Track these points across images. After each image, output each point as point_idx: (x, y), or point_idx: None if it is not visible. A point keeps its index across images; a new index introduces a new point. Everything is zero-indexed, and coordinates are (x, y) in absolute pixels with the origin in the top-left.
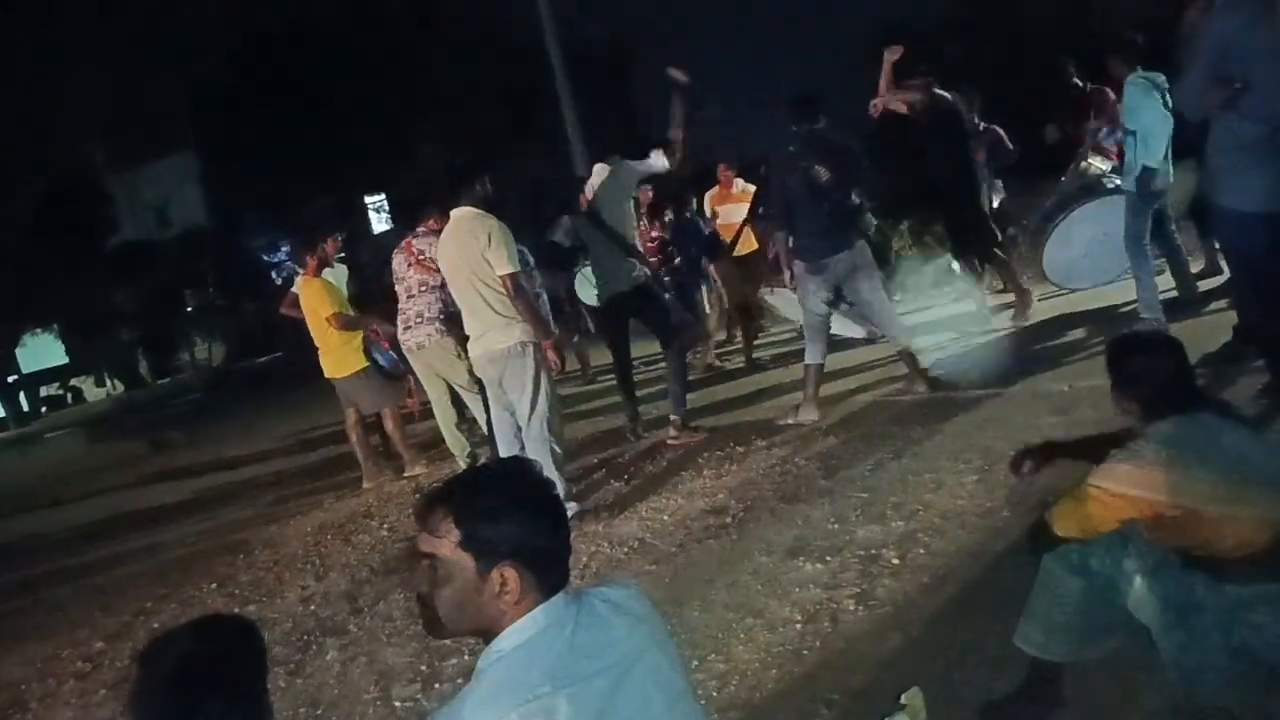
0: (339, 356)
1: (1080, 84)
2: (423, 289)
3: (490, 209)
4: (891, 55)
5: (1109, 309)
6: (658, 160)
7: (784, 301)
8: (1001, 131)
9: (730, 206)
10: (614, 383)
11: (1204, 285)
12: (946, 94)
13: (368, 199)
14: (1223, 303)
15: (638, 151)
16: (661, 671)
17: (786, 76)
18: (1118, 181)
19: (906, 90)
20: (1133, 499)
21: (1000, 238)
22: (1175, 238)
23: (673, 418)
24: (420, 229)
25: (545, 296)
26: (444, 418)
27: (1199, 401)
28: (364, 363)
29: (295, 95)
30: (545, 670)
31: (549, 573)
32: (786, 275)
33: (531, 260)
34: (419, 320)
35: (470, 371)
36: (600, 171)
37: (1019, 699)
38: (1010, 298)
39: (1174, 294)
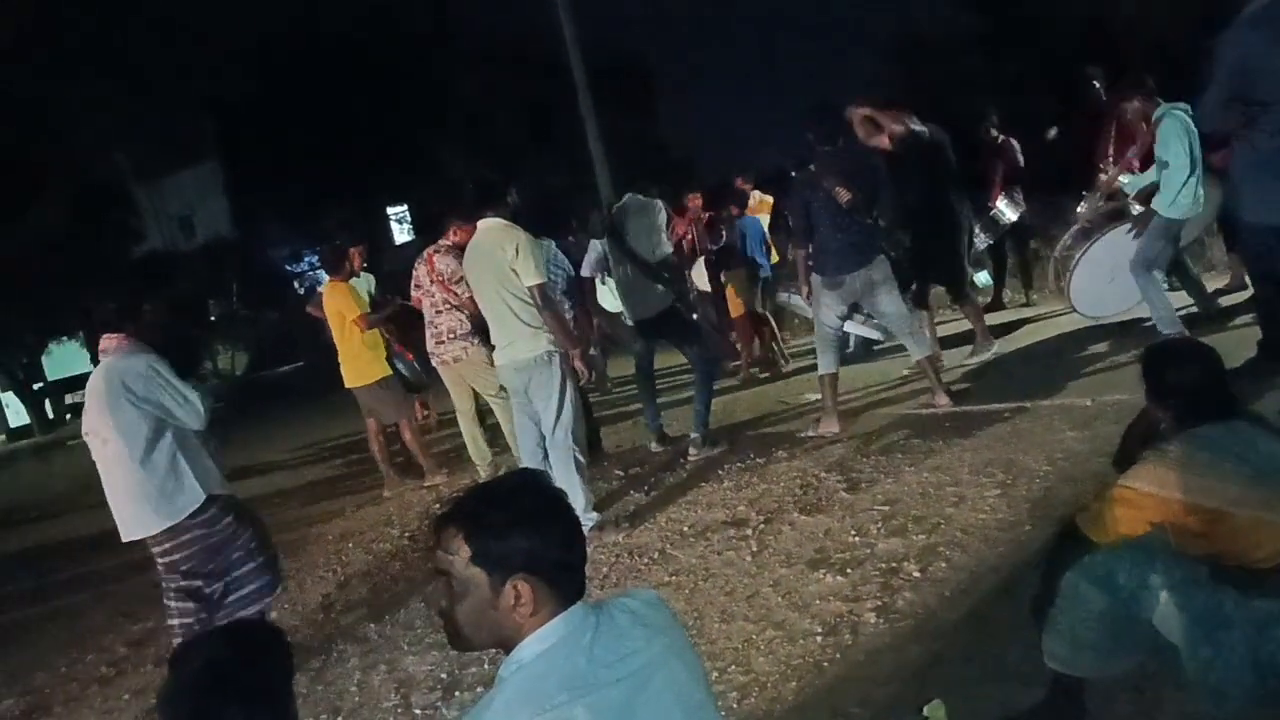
0: (360, 364)
1: (1105, 97)
2: (448, 305)
3: (516, 220)
4: (859, 112)
5: (1131, 324)
6: (665, 247)
7: (801, 303)
8: (1017, 145)
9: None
10: (634, 393)
11: (1230, 300)
12: (923, 128)
13: (390, 210)
14: (1248, 317)
15: (661, 171)
16: (681, 682)
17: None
18: (1139, 208)
19: (884, 124)
20: (1164, 500)
21: (971, 277)
22: (1181, 254)
23: (693, 434)
24: (443, 241)
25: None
26: (469, 428)
27: (1234, 410)
28: (386, 371)
29: (319, 106)
30: (563, 680)
31: (564, 584)
32: (804, 291)
33: (570, 268)
34: (451, 336)
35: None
36: (629, 197)
37: (1041, 713)
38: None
39: (1193, 309)
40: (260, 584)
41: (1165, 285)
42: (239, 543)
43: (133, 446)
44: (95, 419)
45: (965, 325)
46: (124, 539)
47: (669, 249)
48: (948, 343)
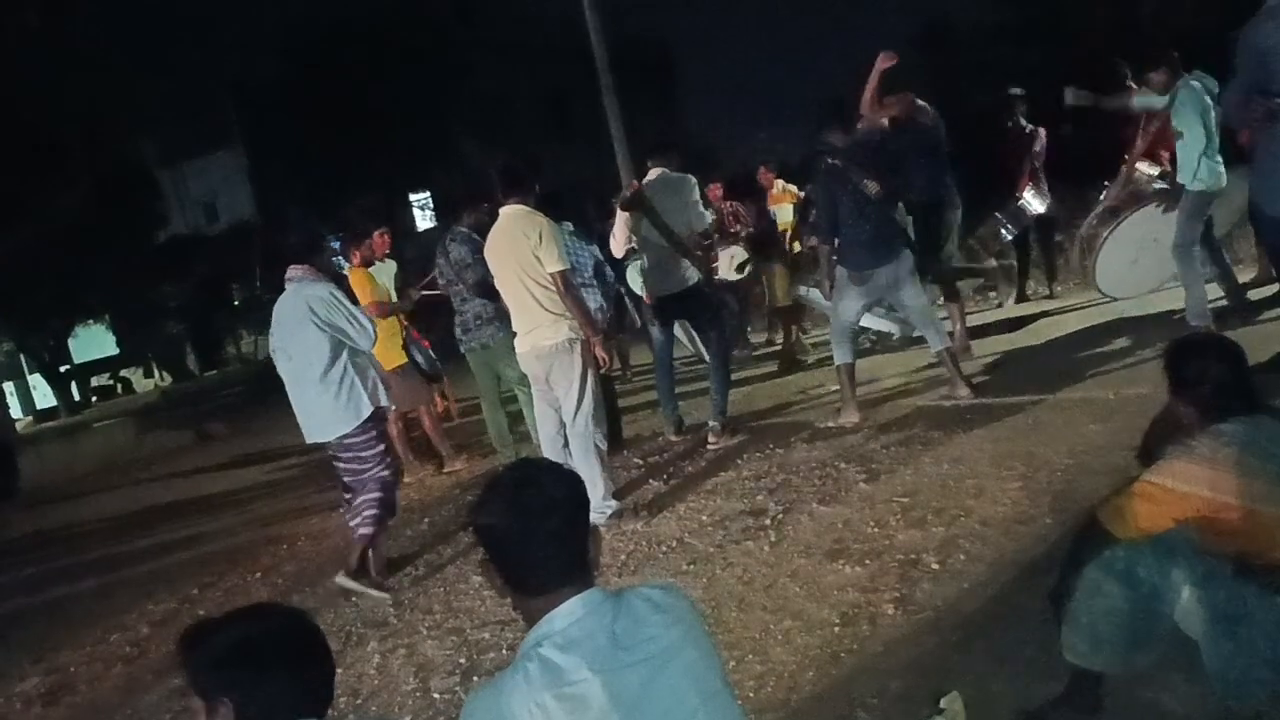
0: (377, 352)
1: (1134, 86)
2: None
3: (539, 208)
4: (884, 63)
5: (1156, 316)
6: (708, 219)
7: (820, 300)
8: (1043, 136)
9: (779, 207)
10: (653, 382)
11: (1257, 294)
12: (928, 108)
13: (412, 196)
14: (1275, 311)
15: (684, 155)
16: (697, 669)
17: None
18: (1165, 185)
19: (886, 106)
20: (1187, 496)
21: (959, 271)
22: (1217, 244)
23: (712, 423)
24: (459, 227)
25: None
26: (492, 414)
27: (1258, 405)
28: (402, 359)
29: (342, 92)
30: (583, 657)
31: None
32: (827, 286)
33: (599, 253)
34: (478, 322)
35: None
36: (659, 173)
37: (1059, 706)
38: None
39: (1223, 302)
40: (368, 516)
41: (1206, 274)
42: (381, 470)
43: (315, 362)
44: (282, 337)
45: (994, 315)
46: (307, 441)
47: (709, 218)
48: (976, 332)
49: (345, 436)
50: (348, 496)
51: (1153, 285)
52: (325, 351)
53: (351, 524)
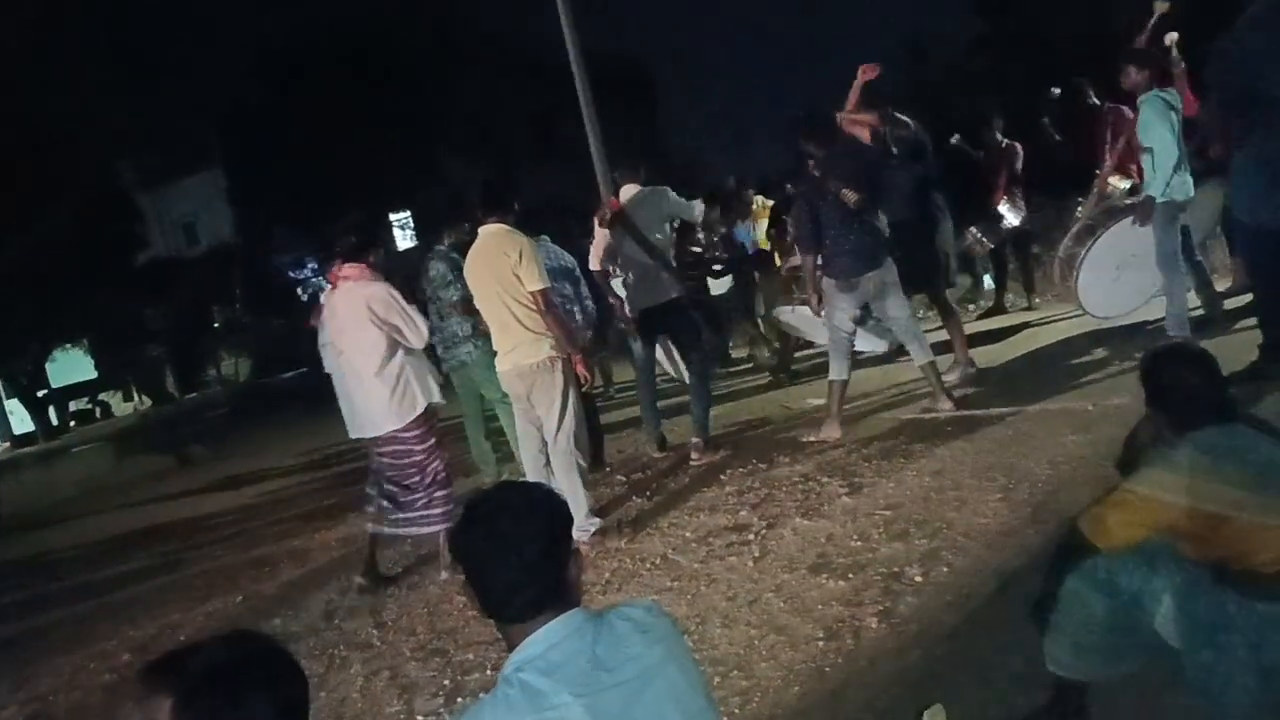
0: None
1: (1098, 103)
2: (452, 309)
3: (519, 226)
4: (866, 75)
5: (1133, 327)
6: (697, 208)
7: (802, 321)
8: (1020, 150)
9: (758, 223)
10: (636, 398)
11: (1233, 303)
12: (909, 121)
13: (393, 215)
14: (1250, 320)
15: (663, 173)
16: (680, 689)
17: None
18: (1136, 200)
19: (858, 121)
20: (1166, 505)
21: (951, 283)
22: (1196, 253)
23: (694, 440)
24: (440, 246)
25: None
26: (474, 433)
27: (1234, 414)
28: None
29: (321, 113)
30: (564, 680)
31: None
32: (814, 300)
33: (572, 261)
34: (456, 340)
35: None
36: (631, 190)
37: (1042, 717)
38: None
39: (1200, 312)
40: (444, 510)
41: (1190, 285)
42: (438, 463)
43: (370, 359)
44: (335, 333)
45: (970, 328)
46: (352, 436)
47: (700, 208)
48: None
49: (398, 431)
50: (371, 493)
51: (1140, 301)
52: (382, 348)
53: (420, 523)
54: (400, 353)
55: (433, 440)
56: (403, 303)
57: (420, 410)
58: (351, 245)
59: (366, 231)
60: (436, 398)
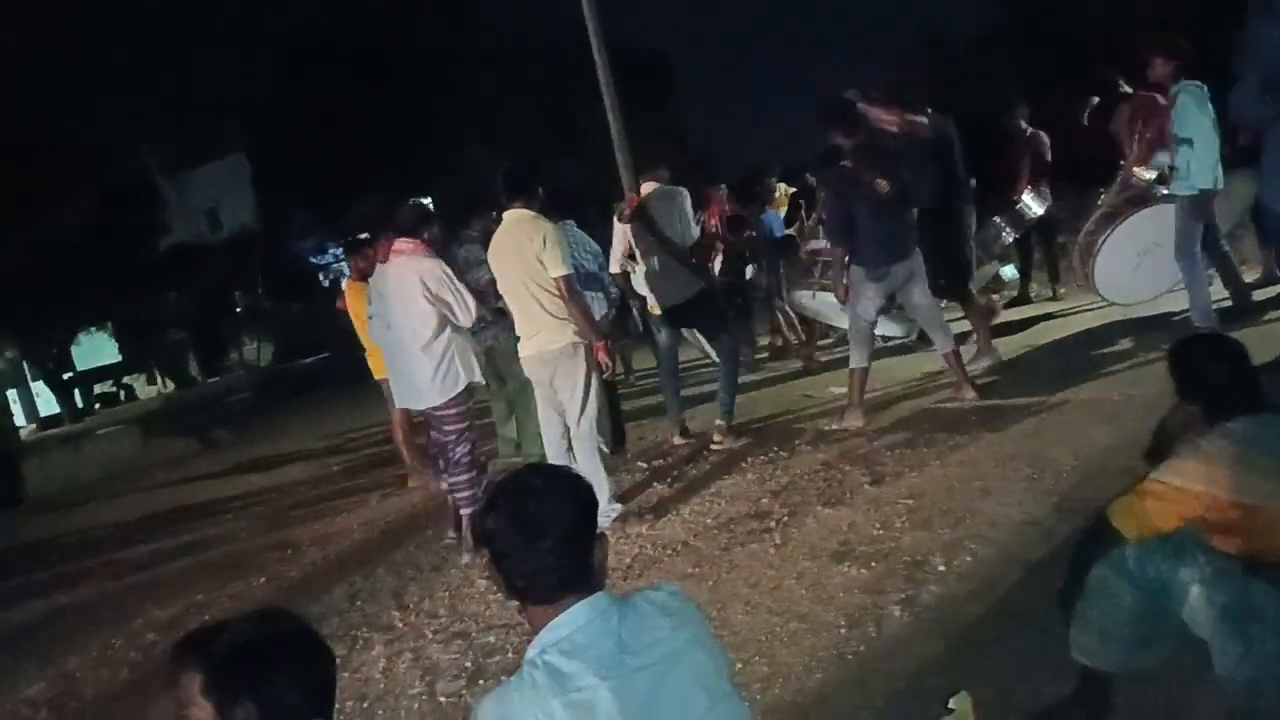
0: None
1: (1129, 90)
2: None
3: (544, 212)
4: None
5: (1160, 317)
6: (694, 231)
7: (822, 305)
8: (1046, 139)
9: (779, 211)
10: (656, 386)
11: (1261, 294)
12: (933, 115)
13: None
14: (1279, 311)
15: (675, 167)
16: (704, 673)
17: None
18: (1165, 190)
19: (885, 119)
20: (1196, 495)
21: (973, 276)
22: (1223, 245)
23: (718, 422)
24: (468, 232)
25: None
26: (500, 416)
27: (1263, 404)
28: None
29: (343, 99)
30: (589, 663)
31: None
32: (840, 290)
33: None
34: (482, 324)
35: None
36: (653, 187)
37: (1068, 706)
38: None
39: (1228, 302)
40: (469, 494)
41: (1210, 276)
42: (465, 446)
43: (420, 333)
44: (383, 306)
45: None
46: (398, 405)
47: (696, 233)
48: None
49: (436, 408)
50: (435, 453)
51: (1156, 291)
52: (432, 324)
53: (460, 499)
54: (448, 329)
55: (465, 424)
56: (455, 280)
57: (461, 388)
58: (407, 221)
59: (422, 209)
60: (477, 376)
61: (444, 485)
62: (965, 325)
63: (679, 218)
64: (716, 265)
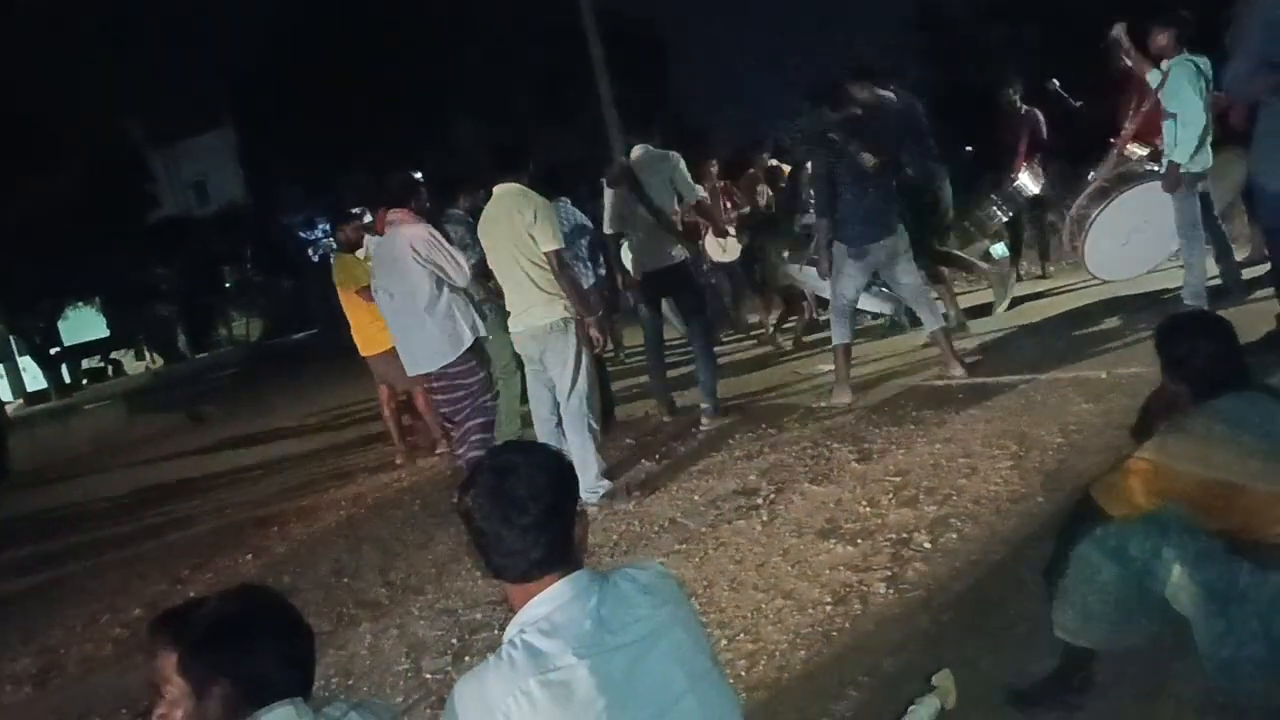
0: (369, 334)
1: (1129, 62)
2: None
3: (534, 187)
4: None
5: (1148, 295)
6: (697, 190)
7: (810, 276)
8: (1041, 116)
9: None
10: (645, 363)
11: (1251, 272)
12: (897, 93)
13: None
14: (1268, 290)
15: (666, 132)
16: (684, 650)
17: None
18: (1156, 167)
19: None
20: (1180, 473)
21: (947, 255)
22: (1218, 223)
23: (703, 406)
24: (455, 209)
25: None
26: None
27: (1250, 383)
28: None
29: (333, 72)
30: (568, 641)
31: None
32: (826, 265)
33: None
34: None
35: (512, 353)
36: (641, 150)
37: (1050, 684)
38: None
39: (1218, 281)
40: (482, 436)
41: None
42: (488, 396)
43: (418, 298)
44: (384, 277)
45: (988, 296)
46: (410, 374)
47: (699, 193)
48: (972, 313)
49: (448, 366)
50: (449, 426)
51: (1144, 268)
52: (427, 287)
53: (458, 451)
54: (446, 290)
55: (482, 374)
56: (443, 241)
57: (467, 344)
58: (396, 190)
59: (408, 178)
60: (483, 331)
61: (457, 458)
62: (967, 301)
63: (673, 180)
64: (707, 242)
